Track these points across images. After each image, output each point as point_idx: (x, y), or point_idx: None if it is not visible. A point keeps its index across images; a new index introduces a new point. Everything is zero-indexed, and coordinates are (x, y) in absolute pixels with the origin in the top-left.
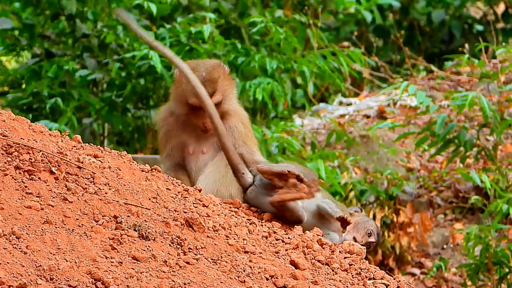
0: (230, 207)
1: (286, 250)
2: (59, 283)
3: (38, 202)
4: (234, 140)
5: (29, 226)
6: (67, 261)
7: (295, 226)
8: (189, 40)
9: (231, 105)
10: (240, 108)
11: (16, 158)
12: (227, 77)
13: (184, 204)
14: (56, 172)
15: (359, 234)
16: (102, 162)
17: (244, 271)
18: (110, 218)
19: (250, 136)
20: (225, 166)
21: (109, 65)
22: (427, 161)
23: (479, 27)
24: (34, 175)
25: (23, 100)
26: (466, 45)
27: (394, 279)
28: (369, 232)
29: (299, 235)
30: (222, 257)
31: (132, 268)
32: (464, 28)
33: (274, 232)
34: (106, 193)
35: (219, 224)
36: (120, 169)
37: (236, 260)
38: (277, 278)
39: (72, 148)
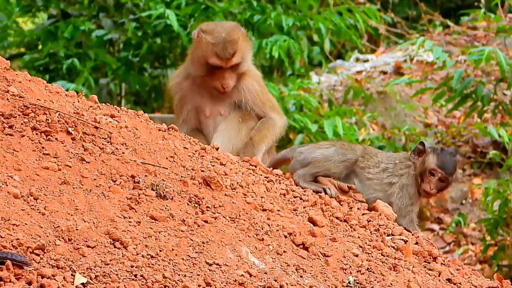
0: (247, 165)
1: (304, 207)
2: (77, 244)
3: (55, 163)
4: (250, 99)
5: (47, 187)
6: (85, 221)
7: None
8: None
9: (248, 66)
10: (255, 69)
11: (32, 119)
12: (246, 39)
13: (202, 162)
14: (73, 132)
15: None
16: (119, 122)
17: (262, 229)
18: (127, 178)
19: (265, 94)
20: (239, 122)
21: (125, 25)
22: (444, 116)
23: None
24: (51, 136)
25: (40, 61)
26: (482, 0)
27: (412, 234)
28: None
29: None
30: (240, 215)
31: (150, 228)
32: None
33: (292, 190)
34: (123, 153)
35: (237, 182)
36: (137, 129)
37: (254, 218)
38: (295, 235)
39: (88, 108)
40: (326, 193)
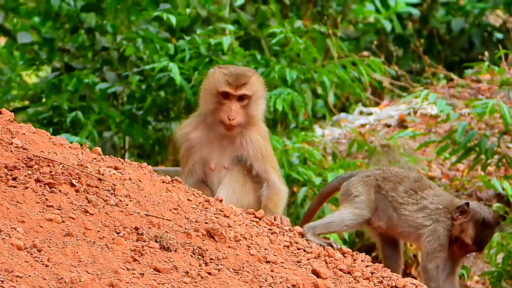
0: (251, 217)
1: (308, 259)
2: None
3: (59, 214)
4: (251, 152)
5: (50, 239)
6: (88, 273)
7: None
8: (209, 51)
9: (257, 115)
10: (263, 124)
11: (36, 171)
12: (260, 81)
13: (205, 214)
14: (76, 184)
15: None
16: (122, 174)
17: (266, 281)
18: (131, 230)
19: (269, 151)
20: (244, 175)
21: (129, 78)
22: (448, 169)
23: (499, 35)
24: (55, 188)
25: (43, 114)
26: (486, 53)
27: (415, 286)
28: None
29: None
30: (243, 267)
31: (154, 280)
32: (483, 36)
33: (296, 242)
34: (127, 205)
35: (241, 234)
36: (140, 181)
37: (257, 270)
38: (299, 287)
39: (92, 161)
40: (332, 247)
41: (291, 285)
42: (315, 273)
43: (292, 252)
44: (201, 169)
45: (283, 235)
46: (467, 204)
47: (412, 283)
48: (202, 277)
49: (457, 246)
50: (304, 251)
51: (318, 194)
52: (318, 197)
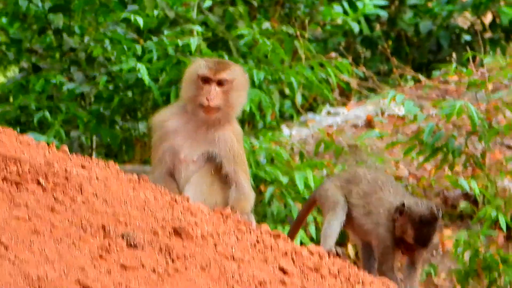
0: (218, 216)
1: (275, 257)
2: None
3: (26, 212)
4: (223, 150)
5: (17, 236)
6: (55, 270)
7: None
8: (177, 52)
9: (235, 107)
10: (238, 125)
11: (3, 170)
12: (243, 74)
13: (172, 213)
14: (43, 183)
15: None
16: (89, 173)
17: (233, 278)
18: (98, 228)
19: (241, 153)
20: (211, 175)
21: (96, 78)
22: (415, 170)
23: (467, 37)
24: (22, 186)
25: (11, 114)
26: (454, 55)
27: (383, 284)
28: None
29: (288, 243)
30: (210, 265)
31: (120, 277)
32: (451, 38)
33: (263, 240)
34: (93, 203)
35: (208, 232)
36: (107, 179)
37: (224, 268)
38: (266, 284)
39: (59, 159)
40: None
41: (258, 282)
42: (283, 270)
43: (259, 250)
44: (170, 159)
45: (250, 234)
46: (403, 204)
47: (380, 281)
48: (169, 274)
49: (404, 246)
50: (271, 249)
51: (304, 204)
52: (305, 205)
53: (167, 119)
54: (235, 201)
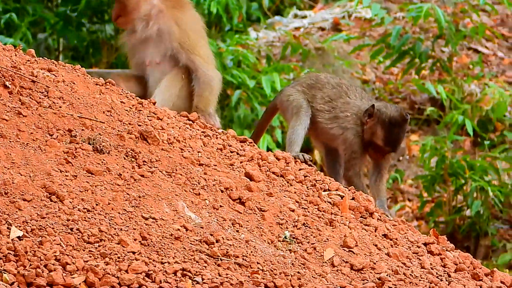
0: (185, 120)
1: (241, 162)
2: (13, 197)
3: None
4: (178, 36)
5: None
6: (21, 175)
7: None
8: None
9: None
10: (194, 11)
11: None
12: None
13: (139, 117)
14: (10, 86)
15: None
16: (56, 76)
17: (199, 184)
18: (64, 132)
19: (197, 32)
20: (181, 80)
21: None
22: (382, 73)
23: None
24: None
25: None
26: None
27: (349, 190)
28: None
29: (254, 148)
30: (176, 170)
31: (86, 182)
32: None
33: (229, 145)
34: (60, 107)
35: (174, 137)
36: (74, 83)
37: (190, 173)
38: (232, 190)
39: (26, 62)
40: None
41: (224, 188)
42: (248, 176)
43: (225, 155)
44: (140, 68)
45: (217, 138)
46: (373, 106)
47: (345, 187)
48: (135, 180)
49: (372, 150)
50: (238, 154)
51: (264, 111)
52: (265, 112)
53: (127, 33)
54: (197, 96)
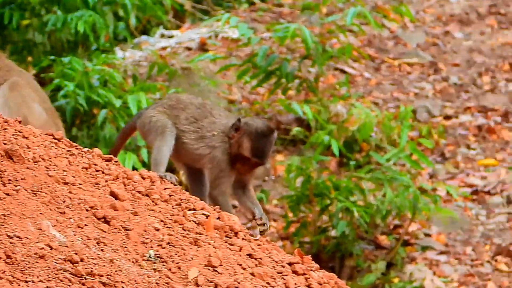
0: (50, 139)
1: (106, 181)
2: None
3: None
4: None
5: None
6: None
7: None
8: None
9: None
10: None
11: None
12: None
13: (4, 135)
14: None
15: None
16: None
17: (64, 202)
18: None
19: None
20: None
21: None
22: (248, 93)
23: None
24: None
25: None
26: None
27: (214, 209)
28: None
29: (120, 167)
30: (42, 189)
31: None
32: None
33: (94, 164)
34: None
35: (39, 155)
36: None
37: (56, 192)
38: (97, 209)
39: None
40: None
41: (89, 207)
42: (113, 195)
43: (90, 174)
44: None
45: (82, 157)
46: (239, 120)
47: (211, 206)
48: (0, 198)
49: (241, 164)
50: (103, 173)
51: (121, 130)
52: (122, 133)
53: None
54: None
